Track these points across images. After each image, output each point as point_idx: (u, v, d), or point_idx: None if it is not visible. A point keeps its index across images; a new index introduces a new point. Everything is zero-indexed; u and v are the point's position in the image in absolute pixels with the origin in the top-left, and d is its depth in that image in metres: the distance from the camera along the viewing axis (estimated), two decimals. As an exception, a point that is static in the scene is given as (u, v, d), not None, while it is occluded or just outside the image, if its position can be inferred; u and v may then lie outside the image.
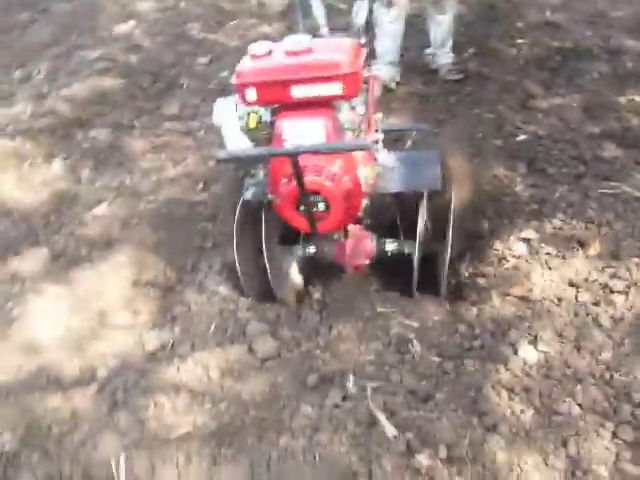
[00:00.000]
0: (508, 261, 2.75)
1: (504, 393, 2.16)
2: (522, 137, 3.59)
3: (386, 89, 4.13)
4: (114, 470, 2.09)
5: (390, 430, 2.07)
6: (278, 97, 2.27)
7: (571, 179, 3.21)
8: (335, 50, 2.30)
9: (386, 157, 2.60)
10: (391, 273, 2.78)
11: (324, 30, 2.63)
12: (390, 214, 2.77)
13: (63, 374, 2.44)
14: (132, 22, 5.82)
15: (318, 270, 2.81)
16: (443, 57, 4.40)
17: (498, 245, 2.83)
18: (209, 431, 2.15)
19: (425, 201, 2.51)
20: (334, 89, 2.21)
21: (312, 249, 2.70)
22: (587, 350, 2.30)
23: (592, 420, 2.06)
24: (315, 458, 2.02)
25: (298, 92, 2.23)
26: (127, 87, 4.71)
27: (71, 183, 3.73)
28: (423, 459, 1.99)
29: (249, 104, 2.31)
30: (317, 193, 2.24)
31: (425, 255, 2.57)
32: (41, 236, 3.35)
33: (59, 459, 2.15)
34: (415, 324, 2.48)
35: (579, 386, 2.16)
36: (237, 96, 2.34)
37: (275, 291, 2.61)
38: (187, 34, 5.51)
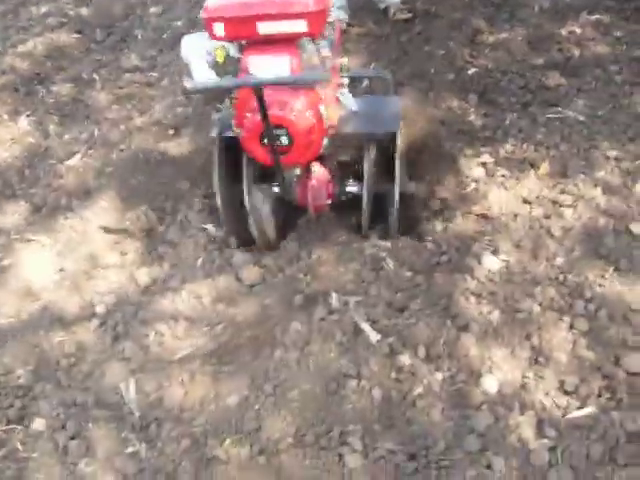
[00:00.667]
0: (468, 184, 2.98)
1: (472, 298, 2.41)
2: (472, 70, 3.78)
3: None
4: (124, 394, 2.28)
5: (373, 336, 2.31)
6: (245, 33, 2.33)
7: (520, 107, 3.44)
8: None
9: (350, 100, 2.70)
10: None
11: None
12: (352, 156, 2.84)
13: (64, 313, 2.60)
14: (77, -27, 5.79)
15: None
16: None
17: (457, 171, 3.05)
18: (209, 351, 2.35)
19: (373, 144, 2.65)
20: (299, 26, 2.28)
21: (276, 189, 2.77)
22: (542, 257, 2.56)
23: (551, 316, 2.32)
24: (308, 366, 2.25)
25: (264, 28, 2.29)
26: (82, 41, 4.74)
27: (40, 138, 3.80)
28: (405, 359, 2.23)
29: (217, 39, 2.36)
30: (281, 127, 2.31)
31: (379, 195, 2.76)
32: (18, 190, 3.45)
33: (71, 388, 2.34)
34: (387, 244, 2.69)
35: (538, 287, 2.42)
36: (205, 31, 2.38)
37: (253, 231, 2.74)
38: (135, -15, 5.51)
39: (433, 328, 2.31)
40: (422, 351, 2.26)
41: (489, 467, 1.94)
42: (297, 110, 2.34)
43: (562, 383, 2.14)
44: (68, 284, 2.74)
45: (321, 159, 2.68)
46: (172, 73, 4.14)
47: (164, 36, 4.68)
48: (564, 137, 3.16)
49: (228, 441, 2.09)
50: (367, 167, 2.62)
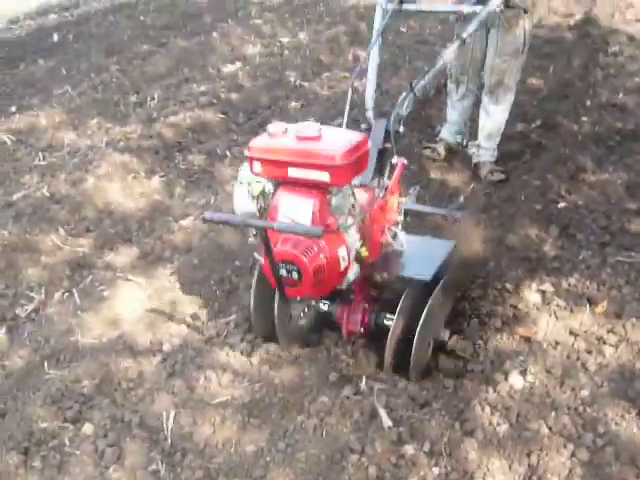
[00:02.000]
0: (522, 308, 3.15)
1: (487, 408, 2.57)
2: (562, 205, 3.98)
3: (449, 150, 4.66)
4: (164, 421, 2.61)
5: (387, 422, 2.53)
6: (277, 174, 2.57)
7: (596, 246, 3.59)
8: (336, 142, 2.52)
9: (399, 239, 2.88)
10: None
11: (370, 115, 3.03)
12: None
13: (136, 344, 3.00)
14: (238, 64, 6.55)
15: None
16: (487, 154, 4.44)
17: (516, 294, 3.23)
18: (242, 402, 2.66)
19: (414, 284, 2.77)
20: (323, 177, 2.47)
21: (324, 306, 2.94)
22: (568, 386, 2.68)
23: (557, 441, 2.44)
24: (322, 434, 2.50)
25: (293, 173, 2.51)
26: (225, 121, 5.38)
27: (165, 197, 4.37)
28: (409, 448, 2.43)
29: (255, 174, 2.61)
30: (291, 263, 2.46)
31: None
32: (134, 237, 3.98)
33: (123, 407, 2.71)
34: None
35: (553, 413, 2.55)
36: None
37: (279, 336, 2.92)
38: (285, 80, 6.16)
39: (442, 427, 2.50)
40: (427, 446, 2.45)
41: None
42: (310, 250, 2.47)
43: (549, 505, 2.25)
44: (147, 322, 3.15)
45: (363, 287, 2.88)
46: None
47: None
48: (629, 280, 3.27)
49: (235, 481, 2.36)
50: (401, 304, 2.71)
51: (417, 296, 2.78)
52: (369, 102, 3.12)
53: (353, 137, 2.58)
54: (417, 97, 3.03)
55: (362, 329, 2.90)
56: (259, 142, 2.60)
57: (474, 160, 4.53)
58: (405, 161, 2.90)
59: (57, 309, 3.40)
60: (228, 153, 4.87)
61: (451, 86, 4.53)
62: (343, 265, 2.59)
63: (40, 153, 5.07)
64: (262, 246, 2.41)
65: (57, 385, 2.77)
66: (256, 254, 2.68)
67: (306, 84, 6.07)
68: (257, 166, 2.57)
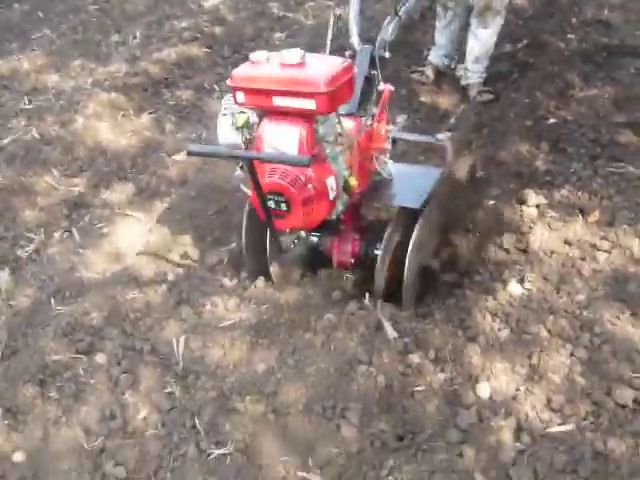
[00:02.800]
0: (516, 221, 3.21)
1: (488, 316, 2.65)
2: (551, 121, 4.01)
3: (438, 73, 4.65)
4: (175, 347, 2.68)
5: (392, 333, 2.61)
6: (261, 103, 2.48)
7: (587, 159, 3.63)
8: (319, 69, 2.43)
9: (387, 167, 2.87)
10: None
11: (355, 41, 2.90)
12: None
13: (140, 276, 3.05)
14: (219, -2, 6.44)
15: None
16: (474, 76, 4.42)
17: (509, 208, 3.29)
18: (250, 324, 2.72)
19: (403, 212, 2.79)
20: (308, 104, 2.39)
21: (314, 239, 2.95)
22: (565, 292, 2.76)
23: (555, 342, 2.53)
24: (330, 348, 2.57)
25: (278, 102, 2.43)
26: (210, 55, 5.33)
27: (157, 133, 4.36)
28: (415, 357, 2.52)
29: (239, 105, 2.52)
30: (279, 194, 2.45)
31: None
32: (128, 174, 3.99)
33: (133, 336, 2.77)
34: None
35: (551, 316, 2.63)
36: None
37: (272, 272, 2.95)
38: (268, 12, 6.08)
39: (446, 335, 2.59)
40: (432, 353, 2.54)
41: (460, 455, 2.19)
42: (297, 180, 2.46)
43: (550, 401, 2.35)
44: (150, 254, 3.19)
45: (352, 218, 2.89)
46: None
47: (282, 59, 5.16)
48: (620, 190, 3.33)
49: (248, 398, 2.43)
50: (387, 232, 2.74)
51: (406, 224, 2.78)
52: (353, 28, 3.00)
53: (338, 63, 2.50)
54: (402, 21, 3.00)
55: (352, 260, 2.91)
56: (242, 71, 2.52)
57: (462, 82, 4.52)
58: (392, 88, 2.81)
59: (58, 248, 3.44)
60: (216, 87, 4.85)
61: (439, 10, 4.49)
62: (332, 195, 2.56)
63: (25, 97, 5.02)
64: (249, 178, 2.39)
65: (67, 319, 2.82)
66: (243, 187, 2.65)
67: (290, 14, 5.99)
68: (240, 96, 2.49)
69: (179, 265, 3.12)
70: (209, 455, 2.29)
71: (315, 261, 3.12)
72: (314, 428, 2.34)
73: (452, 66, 4.66)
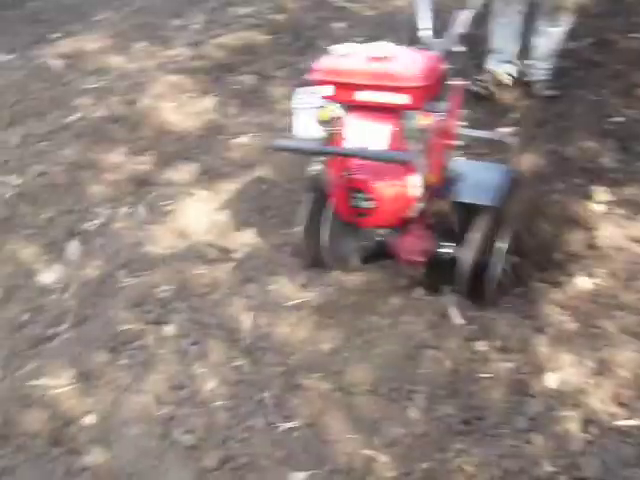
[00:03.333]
0: (583, 216, 3.19)
1: (556, 308, 2.65)
2: (618, 119, 3.97)
3: (500, 84, 4.37)
4: (242, 323, 2.72)
5: (459, 320, 2.62)
6: (347, 98, 2.43)
7: (655, 157, 3.60)
8: (410, 62, 2.41)
9: (457, 165, 2.80)
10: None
11: (427, 37, 2.75)
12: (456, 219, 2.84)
13: (208, 253, 3.10)
14: (281, -14, 6.47)
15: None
16: (540, 72, 4.27)
17: (576, 203, 3.27)
18: (317, 304, 2.75)
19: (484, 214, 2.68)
20: (399, 99, 2.35)
21: (376, 236, 2.83)
22: (634, 289, 2.75)
23: (625, 338, 2.52)
24: (396, 333, 2.59)
25: (367, 96, 2.39)
26: (272, 42, 5.35)
27: (220, 116, 4.40)
28: (481, 345, 2.53)
29: (325, 98, 2.46)
30: (364, 191, 2.42)
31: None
32: (192, 154, 4.04)
33: (201, 311, 2.82)
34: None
35: (620, 312, 2.62)
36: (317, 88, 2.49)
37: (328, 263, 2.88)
38: (329, 1, 6.08)
39: (512, 325, 2.59)
40: (498, 342, 2.54)
41: (528, 442, 2.20)
42: (383, 177, 2.43)
43: (618, 395, 2.33)
44: (215, 232, 3.24)
45: (422, 214, 2.72)
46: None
47: (344, 48, 5.17)
48: (690, 189, 3.29)
49: (315, 375, 2.47)
50: (473, 235, 2.65)
51: (480, 222, 2.71)
52: (423, 20, 2.84)
53: (429, 57, 2.48)
54: (476, 13, 2.90)
55: (421, 258, 2.80)
56: (326, 63, 2.47)
57: (527, 78, 4.43)
58: (465, 83, 2.78)
59: (124, 223, 3.50)
60: (278, 73, 4.87)
61: (500, 5, 4.22)
62: (416, 192, 2.53)
63: (90, 77, 5.11)
64: (331, 174, 2.36)
65: (137, 290, 2.88)
66: (314, 178, 2.60)
67: (351, 5, 5.98)
68: (326, 89, 2.43)
69: (244, 244, 3.15)
70: (276, 428, 2.33)
71: (376, 256, 2.99)
72: (380, 408, 2.37)
73: (515, 75, 4.39)
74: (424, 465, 2.18)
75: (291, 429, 2.32)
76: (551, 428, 2.24)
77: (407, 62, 2.42)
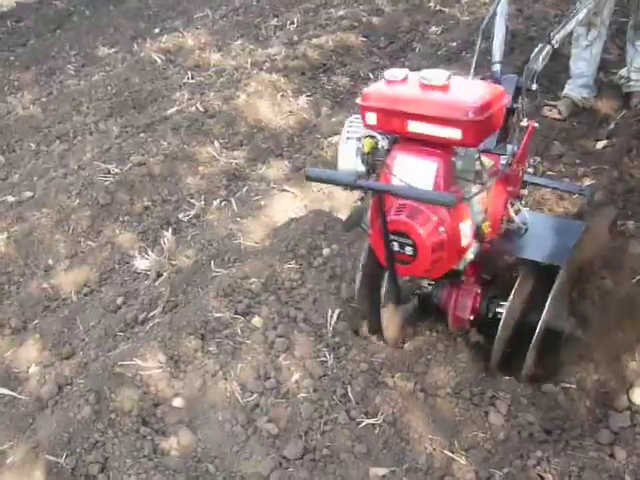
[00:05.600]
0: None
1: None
2: None
3: (574, 107, 4.22)
4: (328, 318, 2.78)
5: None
6: (395, 128, 2.20)
7: None
8: (469, 93, 2.15)
9: (522, 216, 2.50)
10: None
11: (497, 68, 2.53)
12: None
13: (297, 248, 3.15)
14: (377, -11, 6.51)
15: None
16: (637, 84, 4.12)
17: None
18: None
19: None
20: (452, 134, 2.08)
21: (428, 288, 2.57)
22: None
23: None
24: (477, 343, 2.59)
25: (415, 128, 2.14)
26: (366, 44, 5.42)
27: (313, 116, 4.50)
28: (567, 356, 2.50)
29: (368, 127, 2.26)
30: (405, 235, 2.13)
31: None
32: (285, 152, 4.14)
33: (288, 304, 2.89)
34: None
35: None
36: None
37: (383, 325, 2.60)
38: (424, 5, 6.08)
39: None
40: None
41: (611, 456, 2.17)
42: (428, 221, 2.13)
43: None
44: (306, 229, 3.31)
45: (476, 269, 2.49)
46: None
47: (439, 52, 5.17)
48: None
49: (398, 374, 2.51)
50: (515, 290, 2.36)
51: (535, 282, 2.45)
52: (496, 54, 2.59)
53: (488, 88, 2.21)
54: (555, 49, 2.60)
55: (471, 317, 2.49)
56: (376, 90, 2.25)
57: (624, 90, 4.29)
58: (536, 124, 2.46)
59: (216, 215, 3.63)
60: (371, 75, 4.93)
61: (580, 30, 4.06)
62: (464, 242, 2.23)
63: (189, 72, 5.29)
64: (371, 213, 2.17)
65: (227, 281, 2.97)
66: (364, 224, 2.37)
67: (446, 9, 5.98)
68: (371, 117, 2.20)
69: (333, 241, 3.20)
70: (359, 424, 2.37)
71: (424, 314, 2.72)
72: (461, 412, 2.39)
73: (591, 100, 4.23)
74: (504, 470, 2.19)
75: (373, 425, 2.36)
76: (636, 443, 2.21)
77: (463, 92, 2.16)
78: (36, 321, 3.20)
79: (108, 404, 2.55)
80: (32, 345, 3.04)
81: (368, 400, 2.44)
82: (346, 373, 2.54)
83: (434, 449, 2.29)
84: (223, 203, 3.74)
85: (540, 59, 2.48)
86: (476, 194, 2.22)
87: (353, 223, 2.62)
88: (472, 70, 2.54)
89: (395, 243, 2.15)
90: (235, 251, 3.25)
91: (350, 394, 2.46)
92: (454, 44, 5.23)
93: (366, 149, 2.27)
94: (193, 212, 3.71)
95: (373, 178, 2.29)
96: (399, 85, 2.21)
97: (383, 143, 2.29)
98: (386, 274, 2.43)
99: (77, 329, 3.08)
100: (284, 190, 3.67)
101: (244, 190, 3.79)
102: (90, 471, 2.37)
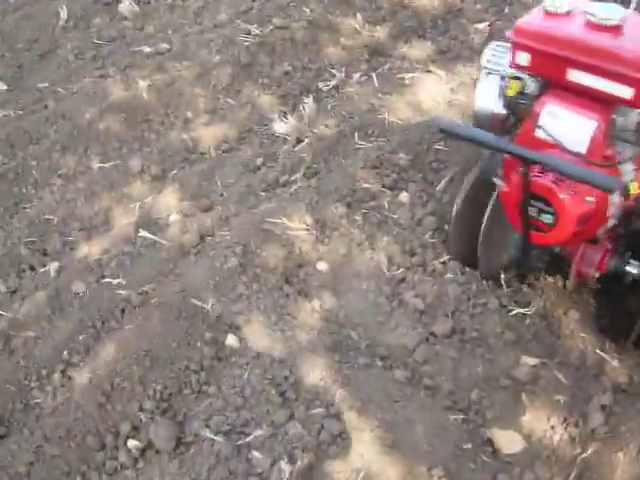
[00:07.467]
0: None
1: None
2: None
3: None
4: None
5: None
6: (551, 73, 1.92)
7: None
8: None
9: None
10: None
11: None
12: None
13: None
14: None
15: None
16: None
17: None
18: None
19: None
20: (621, 92, 1.79)
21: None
22: None
23: None
24: None
25: (576, 77, 1.85)
26: None
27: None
28: None
29: (516, 68, 1.99)
30: (545, 201, 1.90)
31: None
32: (428, 33, 3.95)
33: (434, 185, 2.82)
34: None
35: None
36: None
37: (480, 270, 2.40)
38: None
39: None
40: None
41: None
42: (575, 189, 1.87)
43: None
44: (453, 113, 3.20)
45: (610, 231, 2.18)
46: None
47: None
48: None
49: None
50: None
51: None
52: None
53: None
54: None
55: (597, 273, 2.21)
56: (532, 24, 1.91)
57: None
58: None
59: (357, 89, 3.52)
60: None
61: None
62: (612, 211, 1.96)
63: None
64: (509, 167, 1.93)
65: (375, 153, 2.91)
66: (497, 180, 2.03)
67: None
68: (522, 57, 1.92)
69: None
70: (509, 311, 2.34)
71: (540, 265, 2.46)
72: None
73: None
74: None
75: (523, 315, 2.32)
76: None
77: None
78: (174, 171, 3.21)
79: (253, 258, 2.57)
80: (171, 194, 3.06)
81: (520, 290, 2.39)
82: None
83: (585, 347, 2.25)
84: (364, 77, 3.62)
85: None
86: (632, 157, 1.94)
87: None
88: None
89: (532, 208, 1.92)
90: (379, 126, 3.16)
91: (502, 281, 2.41)
92: None
93: (511, 92, 2.01)
94: (333, 82, 3.61)
95: (514, 128, 2.04)
96: (561, 21, 1.88)
97: (532, 87, 2.03)
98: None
99: (215, 184, 3.09)
100: (429, 71, 3.53)
101: (386, 67, 3.66)
102: (235, 321, 2.41)
